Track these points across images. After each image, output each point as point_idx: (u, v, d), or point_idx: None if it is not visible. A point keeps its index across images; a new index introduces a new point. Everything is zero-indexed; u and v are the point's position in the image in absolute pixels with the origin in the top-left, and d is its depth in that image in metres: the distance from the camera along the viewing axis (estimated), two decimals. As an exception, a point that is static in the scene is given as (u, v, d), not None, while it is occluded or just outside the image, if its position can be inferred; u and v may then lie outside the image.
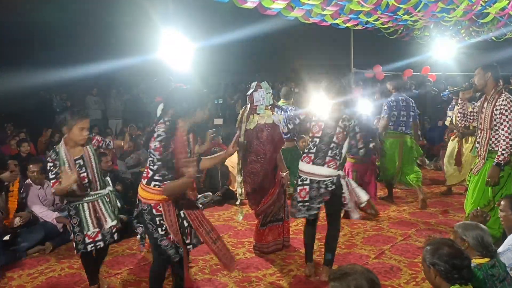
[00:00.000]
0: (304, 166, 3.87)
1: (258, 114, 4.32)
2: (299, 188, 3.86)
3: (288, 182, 4.56)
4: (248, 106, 4.43)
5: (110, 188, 3.78)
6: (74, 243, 3.57)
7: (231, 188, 6.70)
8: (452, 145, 6.61)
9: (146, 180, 3.04)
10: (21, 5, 10.22)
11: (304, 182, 3.83)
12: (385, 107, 5.97)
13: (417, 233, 5.06)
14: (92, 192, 3.59)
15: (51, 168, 3.45)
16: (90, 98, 11.31)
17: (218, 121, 6.99)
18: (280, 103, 6.03)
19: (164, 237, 3.03)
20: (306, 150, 3.94)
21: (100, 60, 9.28)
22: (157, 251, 3.13)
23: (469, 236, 2.71)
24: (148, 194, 3.03)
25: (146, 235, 3.19)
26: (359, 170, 5.80)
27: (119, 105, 11.39)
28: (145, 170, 3.10)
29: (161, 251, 3.07)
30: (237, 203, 4.57)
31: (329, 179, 3.75)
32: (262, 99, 4.32)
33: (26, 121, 9.52)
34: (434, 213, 5.81)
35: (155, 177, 3.01)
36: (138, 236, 3.29)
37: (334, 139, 3.75)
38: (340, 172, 3.82)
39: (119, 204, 3.89)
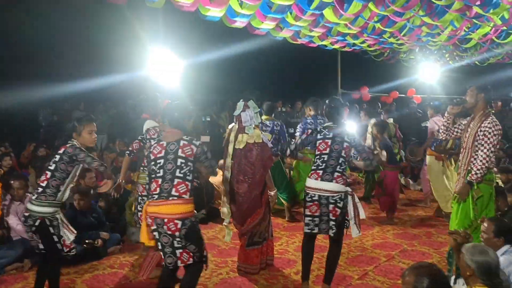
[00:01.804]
0: (312, 182, 3.95)
1: (247, 133, 4.31)
2: (308, 204, 3.97)
3: (275, 200, 4.57)
4: (236, 126, 4.41)
5: None
6: (54, 254, 3.55)
7: (216, 206, 6.65)
8: (436, 166, 6.61)
9: (188, 193, 3.27)
10: (7, 21, 10.18)
11: (313, 199, 3.93)
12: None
13: (400, 254, 5.06)
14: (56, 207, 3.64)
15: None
16: (77, 113, 11.20)
17: (205, 138, 6.96)
18: (263, 118, 6.07)
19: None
20: (314, 167, 4.02)
21: (88, 76, 9.26)
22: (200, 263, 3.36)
23: (475, 262, 2.57)
24: (192, 205, 3.31)
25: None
26: (389, 176, 6.36)
27: (105, 120, 11.29)
28: (178, 185, 3.25)
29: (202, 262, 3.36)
30: (225, 223, 4.49)
31: (338, 195, 3.86)
32: (250, 119, 4.31)
33: (10, 135, 9.40)
34: (418, 234, 5.83)
35: (191, 187, 3.30)
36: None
37: (343, 153, 3.92)
38: (348, 188, 3.92)
39: None
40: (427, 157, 6.73)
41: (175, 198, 3.20)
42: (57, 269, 3.69)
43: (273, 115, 6.49)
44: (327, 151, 3.94)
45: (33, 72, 11.04)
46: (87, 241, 4.77)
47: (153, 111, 4.82)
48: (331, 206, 3.86)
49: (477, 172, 3.90)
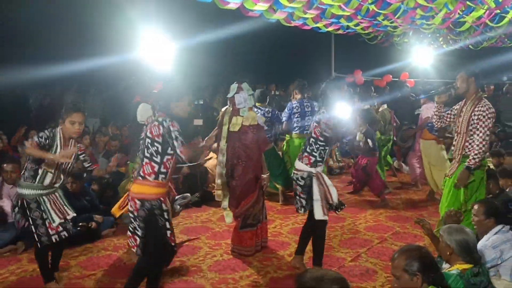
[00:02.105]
0: (296, 163, 4.05)
1: (242, 116, 4.29)
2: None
3: (268, 183, 4.58)
4: (230, 108, 4.39)
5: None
6: (36, 236, 3.54)
7: (209, 189, 6.66)
8: (435, 149, 6.61)
9: (153, 175, 3.14)
10: (-3, 2, 9.99)
11: (294, 178, 4.02)
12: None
13: (393, 237, 5.12)
14: (55, 185, 3.65)
15: (44, 138, 3.51)
16: (69, 95, 11.08)
17: (198, 122, 6.93)
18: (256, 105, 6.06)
19: (170, 232, 3.20)
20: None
21: (79, 58, 9.10)
22: (156, 248, 3.18)
23: (453, 241, 2.67)
24: (156, 189, 3.14)
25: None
26: (369, 162, 6.55)
27: (97, 104, 11.19)
28: (144, 166, 3.17)
29: (161, 248, 3.18)
30: (223, 206, 4.46)
31: (300, 173, 3.90)
32: (244, 101, 4.30)
33: (1, 118, 9.28)
34: (410, 217, 5.87)
35: (162, 170, 3.15)
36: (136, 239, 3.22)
37: (313, 134, 3.92)
38: (313, 170, 3.88)
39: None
40: (423, 142, 6.71)
41: (140, 178, 3.17)
42: (38, 251, 3.64)
43: (266, 102, 6.45)
44: (309, 131, 4.08)
45: (23, 53, 10.87)
46: (80, 224, 4.77)
47: (144, 93, 4.74)
48: (296, 184, 3.96)
49: (475, 157, 3.91)
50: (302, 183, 3.90)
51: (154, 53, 6.57)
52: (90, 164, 3.81)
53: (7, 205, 4.84)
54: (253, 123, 4.28)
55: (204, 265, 4.30)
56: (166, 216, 3.18)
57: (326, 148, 3.92)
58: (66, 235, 3.65)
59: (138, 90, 4.70)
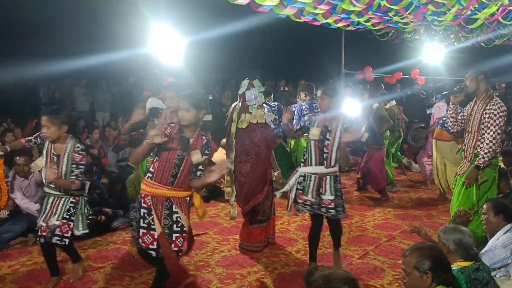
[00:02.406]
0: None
1: (250, 113, 4.28)
2: None
3: (280, 180, 4.60)
4: (240, 105, 4.37)
5: (83, 193, 3.77)
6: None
7: (218, 185, 6.68)
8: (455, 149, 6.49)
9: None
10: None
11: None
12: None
13: (401, 235, 5.10)
14: (56, 188, 3.59)
15: (33, 138, 3.57)
16: (78, 90, 11.16)
17: (207, 117, 6.94)
18: None
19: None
20: None
21: (90, 52, 9.16)
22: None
23: (449, 240, 2.71)
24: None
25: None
26: (375, 156, 6.65)
27: (107, 98, 11.26)
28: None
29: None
30: (230, 202, 4.50)
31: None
32: (254, 98, 4.27)
33: (11, 111, 9.37)
34: (419, 216, 5.86)
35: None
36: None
37: None
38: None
39: (87, 212, 3.81)
40: (440, 143, 6.41)
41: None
42: (41, 248, 3.66)
43: (271, 96, 6.47)
44: None
45: (34, 48, 10.94)
46: (90, 217, 4.80)
47: (153, 88, 4.74)
48: None
49: (485, 156, 3.87)
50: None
51: (165, 48, 6.58)
52: (77, 178, 3.56)
53: (18, 198, 4.90)
54: (260, 121, 4.27)
55: (212, 260, 4.31)
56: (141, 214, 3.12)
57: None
58: (43, 241, 3.55)
59: (147, 85, 4.69)
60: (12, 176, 4.97)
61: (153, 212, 3.04)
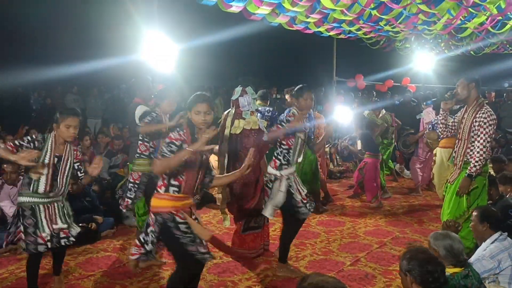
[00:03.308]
0: None
1: (244, 119, 4.31)
2: None
3: None
4: (233, 111, 4.40)
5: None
6: (24, 243, 3.42)
7: (210, 191, 6.66)
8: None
9: (163, 188, 2.91)
10: (0, 4, 10.00)
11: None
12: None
13: (392, 241, 5.11)
14: (51, 194, 3.50)
15: (27, 142, 3.38)
16: (70, 96, 11.10)
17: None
18: (257, 104, 6.05)
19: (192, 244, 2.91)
20: None
21: (82, 59, 9.15)
22: (180, 261, 3.00)
23: (439, 246, 2.74)
24: (161, 202, 2.93)
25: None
26: (369, 163, 6.72)
27: (99, 105, 11.22)
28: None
29: (185, 261, 2.95)
30: (220, 210, 4.49)
31: (268, 176, 4.05)
32: (248, 104, 4.32)
33: (3, 117, 9.31)
34: (410, 222, 5.89)
35: (167, 182, 2.91)
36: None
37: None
38: (277, 173, 3.98)
39: (71, 213, 3.72)
40: (441, 150, 6.22)
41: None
42: (29, 258, 3.54)
43: (268, 101, 6.45)
44: None
45: (25, 54, 10.92)
46: (80, 224, 4.76)
47: (144, 95, 4.68)
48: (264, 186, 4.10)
49: (476, 164, 3.91)
50: (271, 185, 4.03)
51: (157, 55, 6.58)
52: (83, 174, 3.64)
53: (6, 206, 4.85)
54: (254, 127, 4.31)
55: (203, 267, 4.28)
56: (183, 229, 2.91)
57: (290, 151, 3.99)
58: (49, 246, 3.48)
59: (138, 92, 4.65)
60: (1, 184, 4.93)
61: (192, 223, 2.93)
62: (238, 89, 4.38)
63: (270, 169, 4.04)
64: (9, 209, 4.84)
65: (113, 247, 4.85)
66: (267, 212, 4.00)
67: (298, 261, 4.42)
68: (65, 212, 3.61)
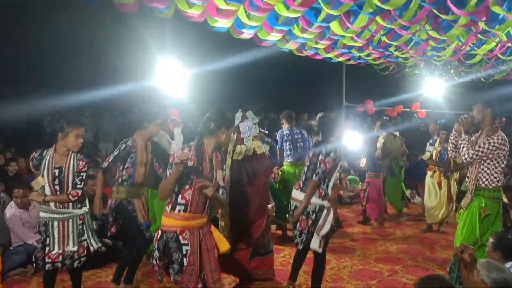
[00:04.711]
0: (293, 192, 4.06)
1: (246, 145, 4.27)
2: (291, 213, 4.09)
3: (273, 213, 4.55)
4: (234, 137, 4.36)
5: (86, 208, 3.70)
6: (34, 258, 3.50)
7: (217, 215, 6.59)
8: (430, 181, 6.70)
9: (170, 205, 2.92)
10: (16, 29, 10.30)
11: (292, 208, 4.06)
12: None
13: (404, 269, 5.03)
14: (63, 210, 3.52)
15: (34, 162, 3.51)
16: (82, 120, 11.24)
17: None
18: (284, 124, 6.47)
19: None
20: (298, 178, 4.13)
21: (96, 85, 9.31)
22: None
23: (491, 278, 2.56)
24: (167, 221, 2.93)
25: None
26: (374, 184, 6.88)
27: (111, 129, 11.36)
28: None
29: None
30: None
31: (311, 207, 3.92)
32: (249, 130, 4.24)
33: (16, 142, 9.46)
34: (421, 250, 5.80)
35: (175, 199, 2.91)
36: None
37: (320, 165, 3.93)
38: (325, 203, 3.91)
39: (94, 226, 3.78)
40: (427, 177, 6.86)
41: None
42: (45, 274, 3.57)
43: (294, 122, 6.60)
44: (307, 163, 4.07)
45: (40, 79, 11.15)
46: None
47: (163, 122, 4.75)
48: (302, 217, 3.95)
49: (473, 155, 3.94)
50: (313, 216, 3.92)
51: (169, 81, 6.69)
52: (75, 187, 3.57)
53: (16, 229, 4.86)
54: (259, 151, 4.26)
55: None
56: (184, 252, 2.86)
57: (330, 181, 3.98)
58: (59, 266, 3.52)
59: (145, 118, 4.68)
60: (14, 207, 4.95)
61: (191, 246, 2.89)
62: (238, 115, 4.30)
63: (315, 199, 3.93)
64: (20, 232, 4.85)
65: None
66: (315, 244, 3.87)
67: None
68: (80, 230, 3.61)
